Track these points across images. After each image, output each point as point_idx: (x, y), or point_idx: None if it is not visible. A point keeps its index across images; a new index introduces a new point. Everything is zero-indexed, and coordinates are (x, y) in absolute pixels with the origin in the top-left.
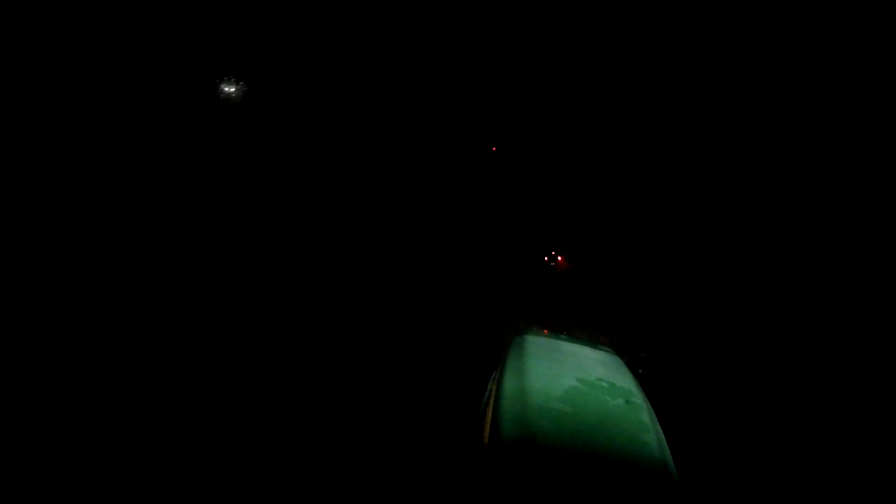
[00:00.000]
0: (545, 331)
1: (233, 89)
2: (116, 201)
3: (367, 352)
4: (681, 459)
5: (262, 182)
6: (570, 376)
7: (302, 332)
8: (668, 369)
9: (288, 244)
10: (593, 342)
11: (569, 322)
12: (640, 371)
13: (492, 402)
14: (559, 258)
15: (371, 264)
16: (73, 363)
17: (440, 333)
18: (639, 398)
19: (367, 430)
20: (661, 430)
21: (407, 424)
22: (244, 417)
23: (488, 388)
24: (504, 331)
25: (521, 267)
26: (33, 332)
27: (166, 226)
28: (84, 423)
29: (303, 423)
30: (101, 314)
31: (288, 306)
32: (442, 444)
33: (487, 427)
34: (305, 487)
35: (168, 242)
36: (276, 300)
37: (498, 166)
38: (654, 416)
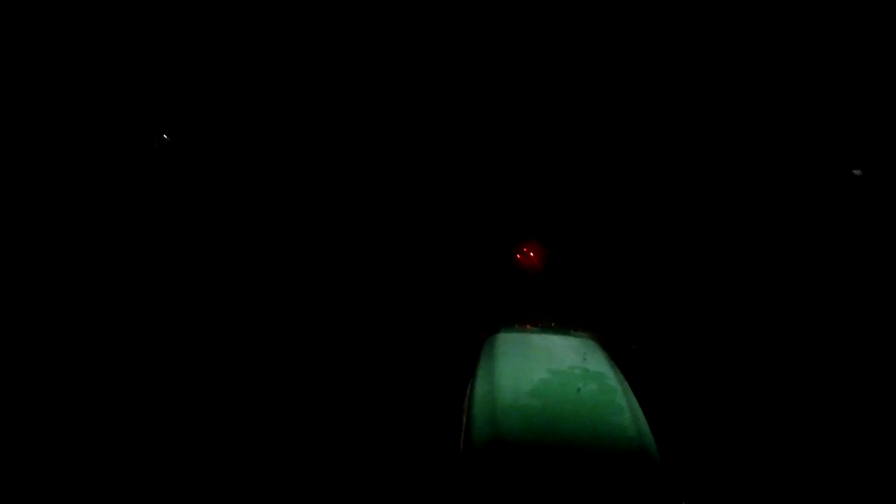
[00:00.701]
0: (521, 326)
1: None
2: (116, 202)
3: (350, 358)
4: (669, 440)
5: (255, 183)
6: (540, 369)
7: (286, 334)
8: (660, 360)
9: (269, 246)
10: (567, 330)
11: (549, 319)
12: (631, 352)
13: (465, 406)
14: (530, 253)
15: (343, 268)
16: (73, 363)
17: (423, 337)
18: (613, 379)
19: (352, 435)
20: (639, 410)
21: (391, 432)
22: (224, 421)
23: (467, 391)
24: (481, 332)
25: (495, 265)
26: (34, 333)
27: (166, 226)
28: (84, 423)
29: (286, 426)
30: (101, 314)
31: (273, 308)
32: (424, 451)
33: (462, 432)
34: (292, 490)
35: (168, 243)
36: (262, 302)
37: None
38: (631, 396)
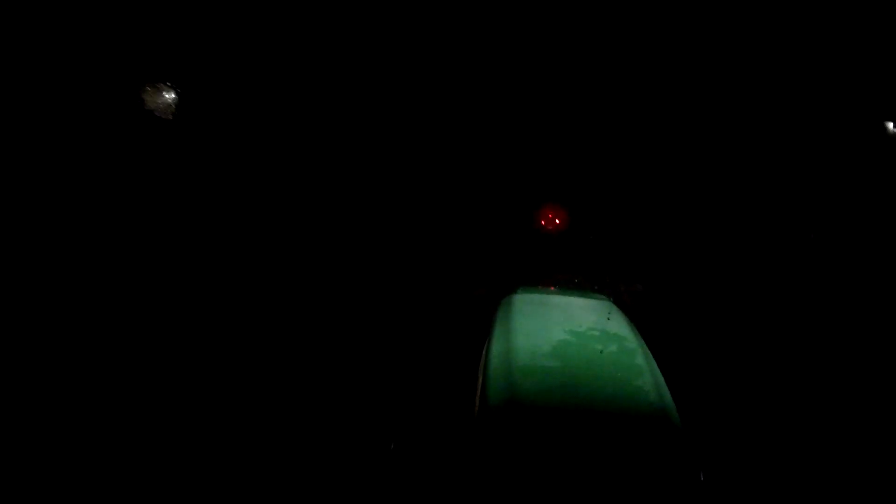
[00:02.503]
0: (539, 286)
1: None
2: (114, 200)
3: (365, 326)
4: (687, 401)
5: (254, 180)
6: (558, 330)
7: (309, 286)
8: (669, 302)
9: (275, 240)
10: (586, 291)
11: (566, 274)
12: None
13: (481, 367)
14: (553, 214)
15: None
16: (73, 364)
17: (437, 302)
18: (633, 342)
19: (368, 394)
20: (658, 372)
21: (408, 391)
22: (238, 411)
23: (483, 351)
24: (496, 292)
25: (517, 225)
26: (34, 333)
27: (166, 226)
28: (84, 422)
29: (303, 387)
30: (101, 315)
31: (277, 299)
32: (441, 411)
33: (478, 393)
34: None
35: (168, 243)
36: (266, 295)
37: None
38: (650, 357)
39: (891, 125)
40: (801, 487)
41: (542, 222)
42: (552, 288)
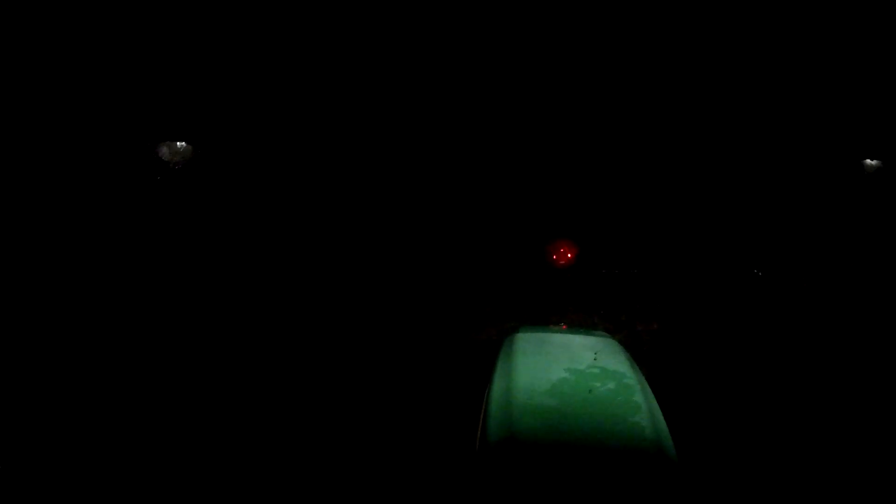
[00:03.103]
0: (541, 325)
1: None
2: (116, 203)
3: (376, 353)
4: (685, 436)
5: (255, 183)
6: (558, 368)
7: (297, 333)
8: (682, 361)
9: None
10: (588, 329)
11: (579, 313)
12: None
13: (483, 405)
14: (564, 250)
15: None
16: (74, 364)
17: (449, 334)
18: (632, 378)
19: (372, 430)
20: (657, 410)
21: (411, 429)
22: (236, 416)
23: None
24: (502, 331)
25: (519, 262)
26: (35, 334)
27: (166, 227)
28: (85, 423)
29: (302, 424)
30: (102, 315)
31: (280, 306)
32: (444, 448)
33: (479, 431)
34: (304, 488)
35: (168, 244)
36: (267, 300)
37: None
38: (649, 394)
39: (869, 161)
40: None
41: (555, 257)
42: (554, 327)
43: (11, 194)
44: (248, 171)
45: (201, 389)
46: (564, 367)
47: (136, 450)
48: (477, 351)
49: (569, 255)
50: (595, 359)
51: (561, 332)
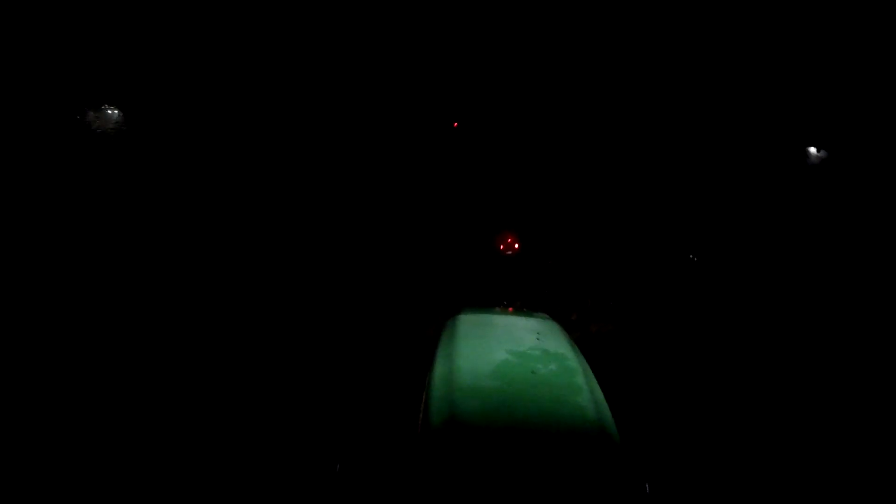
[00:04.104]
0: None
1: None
2: (114, 200)
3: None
4: (634, 422)
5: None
6: (500, 350)
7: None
8: (625, 343)
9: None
10: (529, 311)
11: (518, 302)
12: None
13: (425, 388)
14: (510, 240)
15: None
16: (75, 364)
17: (389, 324)
18: (573, 360)
19: (314, 415)
20: (599, 391)
21: (356, 414)
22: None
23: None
24: (445, 315)
25: (465, 250)
26: (35, 334)
27: (165, 227)
28: (86, 423)
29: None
30: (102, 316)
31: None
32: (386, 432)
33: (420, 414)
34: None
35: (167, 244)
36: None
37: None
38: (591, 376)
39: (813, 150)
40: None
41: (501, 247)
42: (496, 308)
43: None
44: (216, 158)
45: (178, 385)
46: (506, 349)
47: (137, 450)
48: (422, 342)
49: (515, 245)
50: (538, 339)
51: (502, 313)
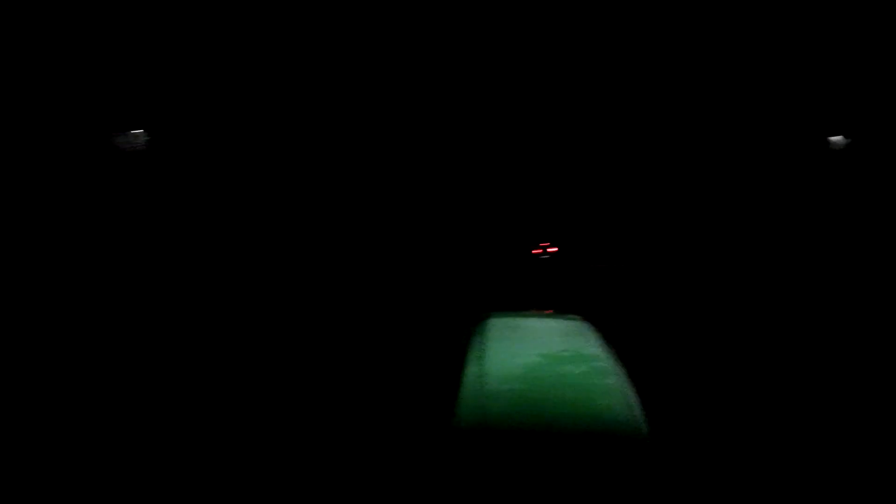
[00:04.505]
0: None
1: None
2: (116, 203)
3: (354, 347)
4: (669, 424)
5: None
6: (530, 353)
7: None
8: (659, 347)
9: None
10: (560, 314)
11: (550, 303)
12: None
13: (456, 391)
14: (549, 248)
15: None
16: (76, 365)
17: (427, 327)
18: (604, 360)
19: (350, 418)
20: (629, 389)
21: (391, 416)
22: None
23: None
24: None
25: (506, 257)
26: (37, 334)
27: (166, 229)
28: (86, 423)
29: (289, 413)
30: (103, 316)
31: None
32: (420, 434)
33: (452, 418)
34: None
35: (169, 245)
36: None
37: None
38: (621, 375)
39: (836, 139)
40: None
41: (540, 255)
42: (525, 312)
43: None
44: (233, 168)
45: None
46: (536, 352)
47: (136, 450)
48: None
49: (550, 250)
50: (575, 342)
51: (532, 316)
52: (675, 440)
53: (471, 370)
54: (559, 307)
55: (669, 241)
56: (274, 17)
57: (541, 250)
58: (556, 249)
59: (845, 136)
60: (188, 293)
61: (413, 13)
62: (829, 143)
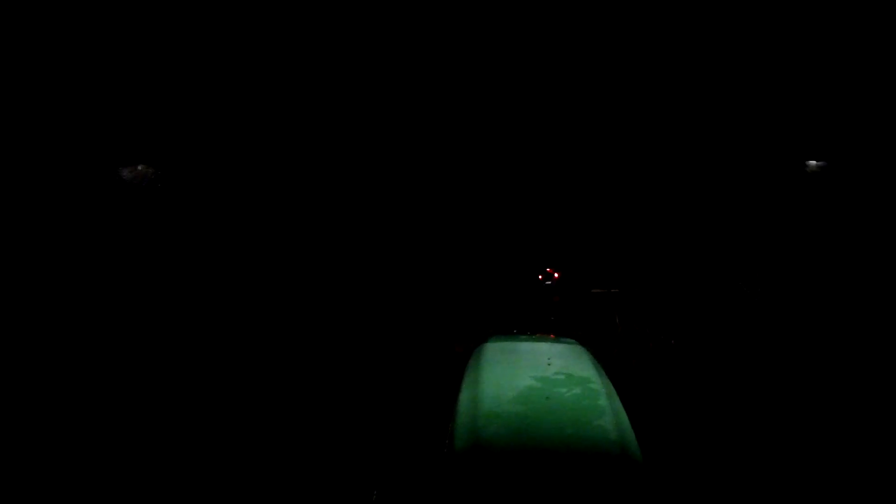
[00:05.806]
0: (511, 334)
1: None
2: (117, 203)
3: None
4: (662, 445)
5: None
6: (525, 376)
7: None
8: (653, 366)
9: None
10: (555, 337)
11: (548, 329)
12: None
13: (452, 414)
14: (554, 273)
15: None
16: (77, 365)
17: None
18: (597, 383)
19: (346, 436)
20: (622, 413)
21: (385, 437)
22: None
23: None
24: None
25: (509, 280)
26: (38, 334)
27: (166, 230)
28: (87, 423)
29: (289, 426)
30: (104, 317)
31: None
32: (415, 457)
33: (447, 439)
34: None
35: (170, 247)
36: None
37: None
38: (614, 397)
39: (812, 163)
40: None
41: (541, 278)
42: (522, 335)
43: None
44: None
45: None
46: (531, 375)
47: (136, 450)
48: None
49: (555, 275)
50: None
51: (528, 339)
52: (668, 463)
53: (466, 393)
54: (559, 331)
55: (667, 267)
56: (274, 17)
57: (543, 276)
58: (559, 276)
59: (822, 161)
60: (188, 293)
61: (419, 21)
62: (806, 166)
